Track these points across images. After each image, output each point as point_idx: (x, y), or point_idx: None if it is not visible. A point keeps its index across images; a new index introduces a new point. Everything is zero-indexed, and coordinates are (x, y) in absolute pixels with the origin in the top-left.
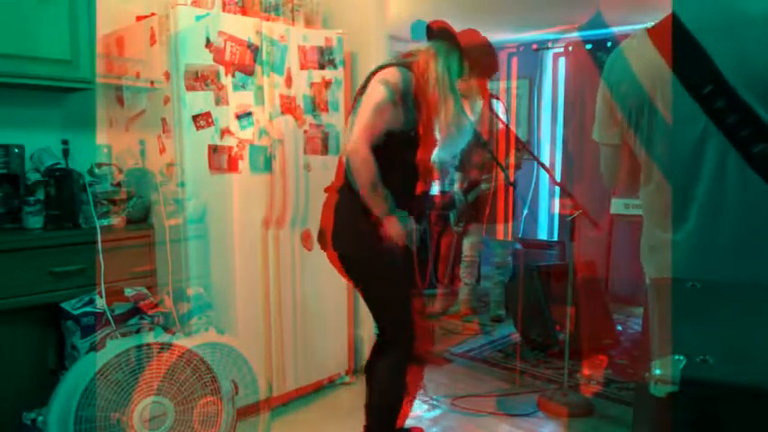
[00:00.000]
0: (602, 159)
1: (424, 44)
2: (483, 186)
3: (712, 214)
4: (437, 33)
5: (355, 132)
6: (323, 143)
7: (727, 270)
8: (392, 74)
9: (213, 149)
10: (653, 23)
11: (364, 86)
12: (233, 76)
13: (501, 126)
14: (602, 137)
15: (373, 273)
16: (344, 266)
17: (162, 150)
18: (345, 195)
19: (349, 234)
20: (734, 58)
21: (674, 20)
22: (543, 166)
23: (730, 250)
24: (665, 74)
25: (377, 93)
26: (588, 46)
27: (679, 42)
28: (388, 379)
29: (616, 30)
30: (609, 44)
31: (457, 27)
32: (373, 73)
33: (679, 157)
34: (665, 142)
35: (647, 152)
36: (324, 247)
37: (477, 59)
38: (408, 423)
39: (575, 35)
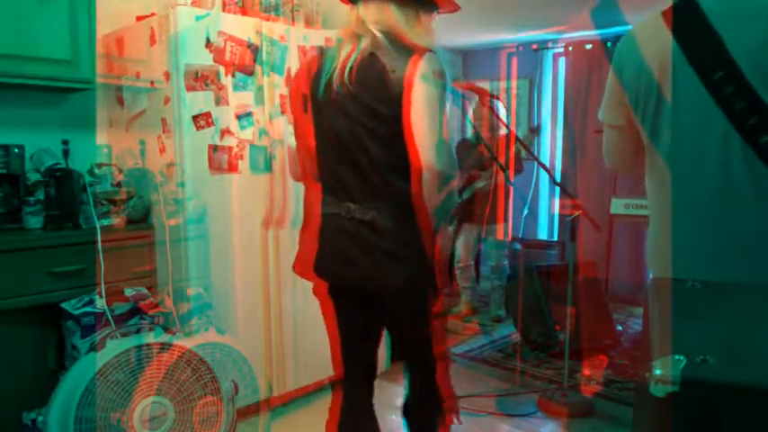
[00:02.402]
0: (605, 140)
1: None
2: (479, 184)
3: (717, 208)
4: None
5: (432, 142)
6: None
7: (734, 270)
8: (435, 63)
9: (213, 149)
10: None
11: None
12: (233, 76)
13: (501, 125)
14: (606, 117)
15: (429, 299)
16: (400, 300)
17: (162, 150)
18: (400, 214)
19: (415, 259)
20: (747, 47)
21: (690, 3)
22: (543, 165)
23: (737, 248)
24: (677, 59)
25: (435, 91)
26: (588, 46)
27: (693, 26)
28: (432, 409)
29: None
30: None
31: (457, 27)
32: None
33: (682, 144)
34: (670, 130)
35: (651, 138)
36: (367, 282)
37: None
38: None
39: (590, 33)
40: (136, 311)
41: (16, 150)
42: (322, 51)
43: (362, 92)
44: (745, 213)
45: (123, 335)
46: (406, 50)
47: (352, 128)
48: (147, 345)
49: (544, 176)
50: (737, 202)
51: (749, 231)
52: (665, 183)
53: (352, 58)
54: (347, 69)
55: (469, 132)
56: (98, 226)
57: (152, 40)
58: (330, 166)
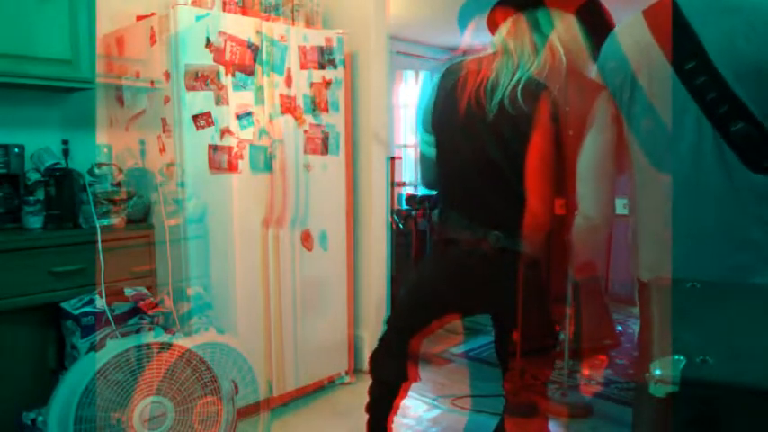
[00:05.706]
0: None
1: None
2: None
3: (689, 201)
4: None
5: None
6: (323, 143)
7: (707, 265)
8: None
9: (213, 149)
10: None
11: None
12: (233, 76)
13: None
14: None
15: None
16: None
17: (162, 150)
18: (536, 268)
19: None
20: (720, 40)
21: None
22: None
23: (711, 242)
24: (653, 52)
25: (611, 138)
26: None
27: (669, 19)
28: None
29: None
30: None
31: (456, 28)
32: (531, 92)
33: (659, 135)
34: (645, 119)
35: (628, 129)
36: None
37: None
38: (408, 423)
39: None
40: (136, 311)
41: (16, 150)
42: (479, 64)
43: (524, 121)
44: (713, 201)
45: (123, 335)
46: (581, 82)
47: (502, 154)
48: (147, 345)
49: None
50: (706, 190)
51: (716, 219)
52: (644, 176)
53: (521, 83)
54: (518, 93)
55: None
56: (98, 226)
57: (152, 40)
58: (467, 187)
